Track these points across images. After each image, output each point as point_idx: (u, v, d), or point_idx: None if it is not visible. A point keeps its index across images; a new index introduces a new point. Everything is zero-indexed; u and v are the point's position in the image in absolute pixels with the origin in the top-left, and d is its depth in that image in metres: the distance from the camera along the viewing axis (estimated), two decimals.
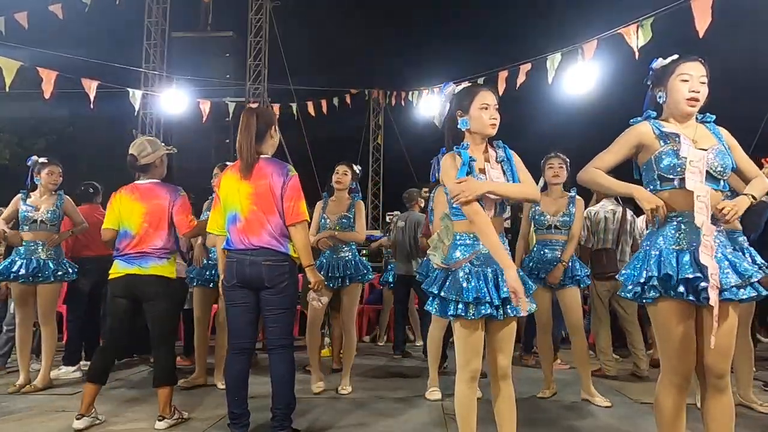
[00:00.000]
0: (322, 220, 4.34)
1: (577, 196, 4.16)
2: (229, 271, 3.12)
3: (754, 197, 2.28)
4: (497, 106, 2.49)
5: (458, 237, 2.50)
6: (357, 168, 4.54)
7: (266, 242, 3.06)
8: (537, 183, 4.27)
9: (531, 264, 4.09)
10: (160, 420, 3.39)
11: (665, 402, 2.28)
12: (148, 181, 3.60)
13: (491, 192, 2.39)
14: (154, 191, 3.55)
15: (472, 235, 2.46)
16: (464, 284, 2.39)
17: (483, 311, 2.37)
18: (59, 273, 4.40)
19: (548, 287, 4.07)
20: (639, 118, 2.42)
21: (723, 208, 2.19)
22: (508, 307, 2.41)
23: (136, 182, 3.61)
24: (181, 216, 3.55)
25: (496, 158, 2.54)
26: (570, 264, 4.03)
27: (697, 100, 2.30)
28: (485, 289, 2.38)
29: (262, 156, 3.15)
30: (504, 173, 2.52)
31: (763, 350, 6.16)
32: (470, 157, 2.45)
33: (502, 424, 2.53)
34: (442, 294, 2.45)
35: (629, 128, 2.40)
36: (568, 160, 4.20)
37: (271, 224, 3.07)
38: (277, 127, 3.30)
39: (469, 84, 2.64)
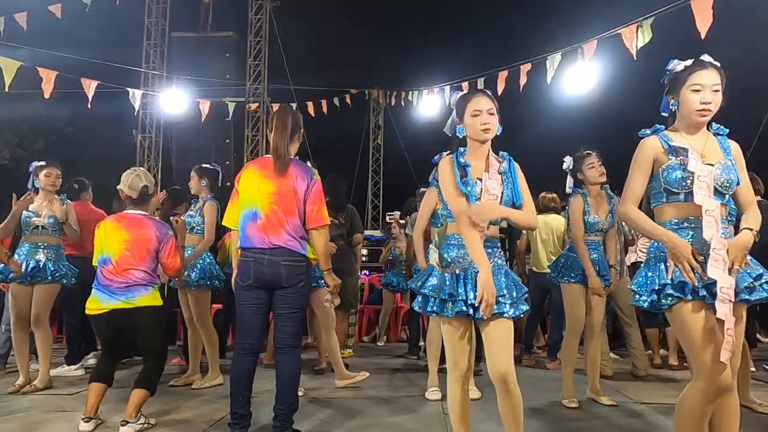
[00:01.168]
0: None
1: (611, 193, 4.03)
2: (245, 271, 3.09)
3: (751, 229, 2.26)
4: (491, 110, 2.49)
5: (451, 238, 2.56)
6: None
7: (285, 242, 3.06)
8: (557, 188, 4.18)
9: (577, 264, 3.93)
10: (123, 425, 3.28)
11: (692, 409, 2.18)
12: (138, 212, 3.57)
13: (502, 217, 2.47)
14: (142, 222, 3.52)
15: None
16: (441, 282, 2.46)
17: (457, 308, 2.42)
18: (57, 274, 4.39)
19: (586, 286, 3.93)
20: (647, 131, 2.41)
21: (734, 260, 2.14)
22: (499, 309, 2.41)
23: (125, 211, 3.59)
24: (172, 259, 3.55)
25: (499, 169, 2.54)
26: (603, 265, 3.94)
27: (708, 110, 2.28)
28: (463, 288, 2.42)
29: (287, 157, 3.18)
30: (503, 184, 2.51)
31: (763, 350, 6.17)
32: (465, 163, 2.49)
33: (506, 427, 2.50)
34: (423, 291, 2.52)
35: (641, 145, 2.38)
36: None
37: (291, 225, 3.09)
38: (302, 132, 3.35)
39: (466, 91, 2.66)
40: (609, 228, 4.00)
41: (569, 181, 4.10)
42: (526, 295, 2.55)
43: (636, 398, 4.18)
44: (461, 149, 2.54)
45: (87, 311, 3.45)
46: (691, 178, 2.22)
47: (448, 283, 2.45)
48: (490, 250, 2.49)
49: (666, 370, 5.30)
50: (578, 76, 7.80)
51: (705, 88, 2.27)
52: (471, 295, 2.40)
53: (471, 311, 2.41)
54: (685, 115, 2.34)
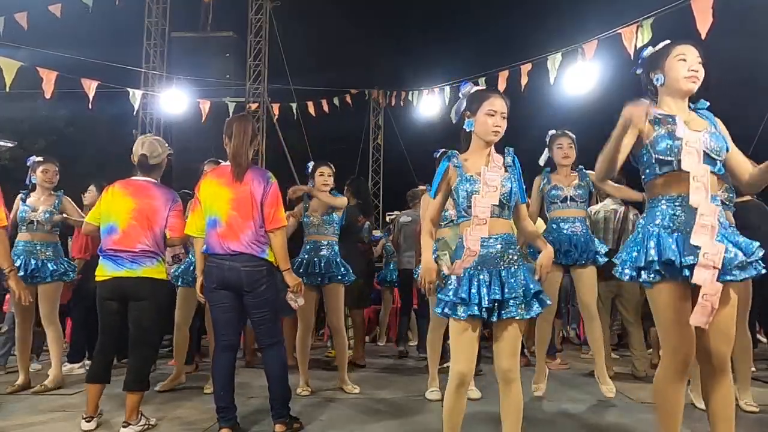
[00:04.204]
0: (306, 219, 4.37)
1: (588, 171, 4.04)
2: (209, 276, 3.24)
3: None
4: (504, 114, 2.52)
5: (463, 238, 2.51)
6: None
7: (245, 247, 3.16)
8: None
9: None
10: (125, 426, 3.29)
11: (664, 386, 2.27)
12: (145, 179, 3.52)
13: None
14: (149, 190, 3.48)
15: (483, 238, 2.45)
16: (455, 285, 2.45)
17: (470, 311, 2.40)
18: (58, 273, 4.37)
19: (561, 266, 3.97)
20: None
21: None
22: (503, 310, 2.42)
23: (132, 178, 3.53)
24: (177, 220, 3.51)
25: (504, 163, 2.56)
26: (589, 240, 3.94)
27: (696, 77, 2.31)
28: (476, 291, 2.40)
29: None
30: (509, 178, 2.53)
31: (763, 350, 6.17)
32: (457, 163, 2.53)
33: (505, 427, 2.52)
34: (438, 295, 2.52)
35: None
36: (574, 137, 4.08)
37: (250, 229, 3.18)
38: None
39: (485, 88, 2.68)
40: (579, 199, 3.98)
41: (544, 156, 4.16)
42: (542, 292, 2.49)
43: (636, 398, 4.18)
44: (454, 151, 2.58)
45: (96, 278, 3.43)
46: (680, 145, 2.20)
47: (462, 286, 2.43)
48: (502, 247, 2.46)
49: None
50: (578, 76, 7.80)
51: (690, 58, 2.30)
52: (486, 300, 2.38)
53: (486, 315, 2.40)
54: (672, 83, 2.34)
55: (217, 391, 3.25)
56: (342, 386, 4.42)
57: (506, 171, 2.54)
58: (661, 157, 2.27)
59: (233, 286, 3.18)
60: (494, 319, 2.42)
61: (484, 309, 2.38)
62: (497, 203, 2.44)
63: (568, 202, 4.00)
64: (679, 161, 2.20)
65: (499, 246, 2.46)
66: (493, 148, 2.57)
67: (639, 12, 6.48)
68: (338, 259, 4.35)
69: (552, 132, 4.13)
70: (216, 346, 3.35)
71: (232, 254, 3.15)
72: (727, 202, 3.57)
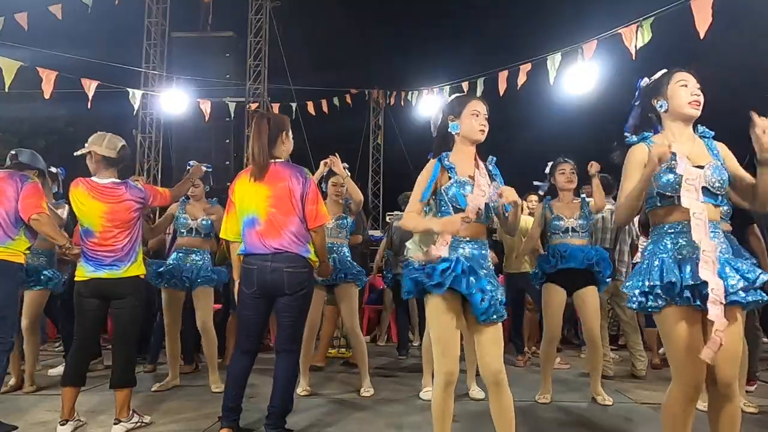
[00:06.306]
0: None
1: (588, 199, 4.14)
2: (248, 279, 3.14)
3: None
4: (487, 116, 2.61)
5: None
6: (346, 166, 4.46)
7: (286, 245, 3.10)
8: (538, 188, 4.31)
9: (550, 269, 4.00)
10: (116, 423, 3.29)
11: (675, 410, 2.25)
12: (109, 180, 3.42)
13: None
14: (115, 192, 3.39)
15: (456, 238, 2.50)
16: (438, 266, 2.44)
17: (448, 280, 2.40)
18: (51, 282, 4.29)
19: (563, 289, 4.00)
20: (635, 138, 2.43)
21: None
22: (491, 311, 2.45)
23: (95, 180, 3.41)
24: (160, 196, 3.59)
25: (487, 168, 2.64)
26: (593, 261, 3.95)
27: (699, 102, 2.32)
28: (461, 277, 2.42)
29: (277, 160, 3.21)
30: (491, 184, 2.58)
31: (763, 350, 6.16)
32: (449, 165, 2.55)
33: (498, 428, 2.53)
34: (417, 278, 2.50)
35: (630, 152, 2.41)
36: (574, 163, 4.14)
37: (291, 226, 3.12)
38: (289, 133, 3.32)
39: (464, 94, 2.76)
40: (581, 230, 4.02)
41: (546, 184, 4.24)
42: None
43: (636, 398, 4.19)
44: (445, 153, 2.61)
45: (75, 279, 3.41)
46: (681, 181, 2.21)
47: (437, 266, 2.44)
48: (477, 252, 2.52)
49: (663, 370, 5.29)
50: (578, 76, 7.80)
51: (690, 84, 2.33)
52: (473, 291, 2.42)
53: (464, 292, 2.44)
54: (676, 109, 2.36)
55: (228, 389, 3.21)
56: (362, 389, 4.33)
57: (489, 176, 2.61)
58: (661, 191, 2.30)
59: (273, 290, 3.11)
60: (483, 318, 2.45)
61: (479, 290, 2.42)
62: (483, 207, 2.52)
63: (570, 232, 4.02)
64: (680, 197, 2.22)
65: (473, 250, 2.53)
66: (476, 153, 2.64)
67: (639, 12, 6.48)
68: (350, 260, 4.35)
69: (552, 161, 4.19)
70: (237, 347, 3.29)
71: (275, 252, 3.08)
72: (724, 216, 3.57)
